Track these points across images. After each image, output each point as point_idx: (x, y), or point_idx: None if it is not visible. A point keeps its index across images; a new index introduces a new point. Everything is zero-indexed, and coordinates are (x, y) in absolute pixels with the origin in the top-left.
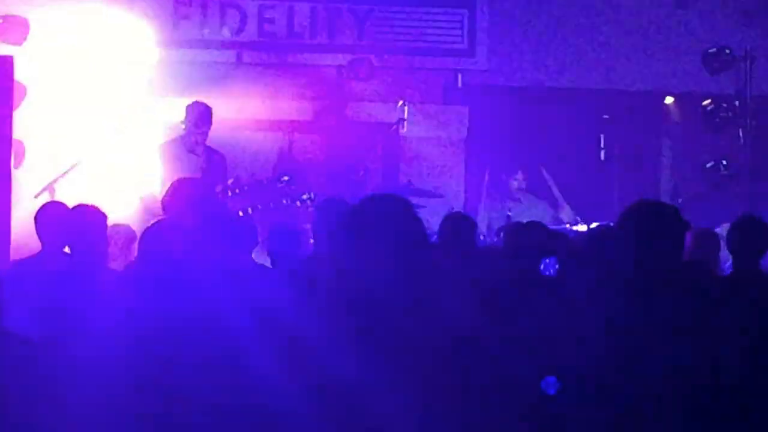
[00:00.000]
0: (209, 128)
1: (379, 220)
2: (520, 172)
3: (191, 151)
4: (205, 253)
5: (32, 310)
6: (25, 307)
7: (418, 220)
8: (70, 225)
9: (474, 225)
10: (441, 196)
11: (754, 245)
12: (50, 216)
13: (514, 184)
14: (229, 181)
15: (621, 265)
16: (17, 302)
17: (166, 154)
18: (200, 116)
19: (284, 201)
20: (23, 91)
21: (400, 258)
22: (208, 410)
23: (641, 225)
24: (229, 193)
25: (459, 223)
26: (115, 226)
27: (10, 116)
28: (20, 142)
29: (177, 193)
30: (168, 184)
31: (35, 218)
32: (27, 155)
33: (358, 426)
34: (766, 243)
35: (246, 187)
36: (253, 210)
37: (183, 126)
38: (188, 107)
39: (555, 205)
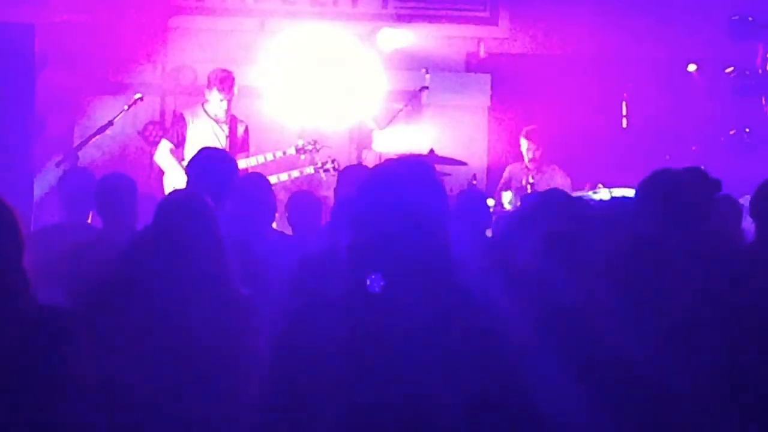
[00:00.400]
0: (232, 96)
1: (400, 183)
2: (533, 144)
3: (214, 119)
4: (224, 223)
5: (61, 280)
6: (52, 277)
7: (440, 186)
8: (101, 193)
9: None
10: (464, 164)
11: None
12: (76, 184)
13: (528, 154)
14: (253, 150)
15: (640, 235)
16: (43, 273)
17: (189, 121)
18: (223, 84)
19: (309, 169)
20: (44, 59)
21: (418, 225)
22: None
23: (659, 194)
24: (254, 162)
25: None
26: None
27: (33, 84)
28: (41, 111)
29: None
30: (189, 151)
31: (59, 186)
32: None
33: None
34: None
35: (270, 156)
36: (278, 179)
37: (206, 94)
38: (211, 75)
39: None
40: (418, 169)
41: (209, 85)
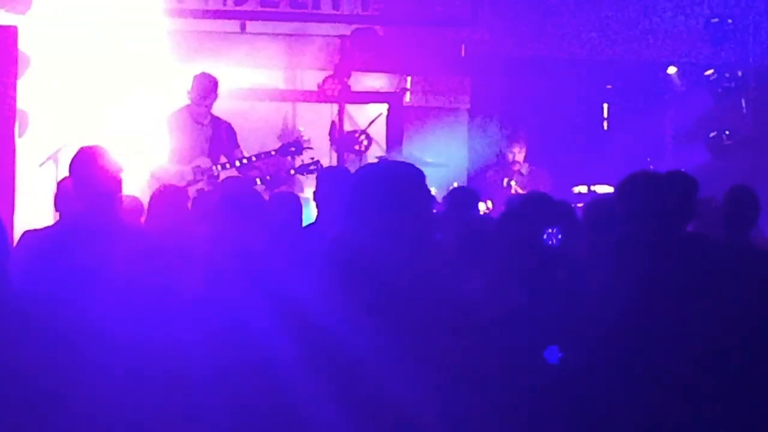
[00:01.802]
0: (215, 99)
1: (390, 186)
2: (516, 145)
3: (198, 121)
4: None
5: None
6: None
7: (427, 190)
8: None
9: (476, 197)
10: (444, 166)
11: (744, 216)
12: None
13: (511, 156)
14: (236, 152)
15: (619, 235)
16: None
17: (173, 124)
18: (206, 87)
19: (292, 171)
20: (27, 60)
21: (404, 226)
22: (214, 380)
23: (637, 196)
24: (237, 164)
25: (461, 196)
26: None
27: (14, 86)
28: (24, 112)
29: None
30: (175, 154)
31: (57, 190)
32: (31, 125)
33: (360, 395)
34: (756, 213)
35: (253, 158)
36: (261, 180)
37: (189, 97)
38: (195, 78)
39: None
40: (410, 174)
41: (192, 88)
